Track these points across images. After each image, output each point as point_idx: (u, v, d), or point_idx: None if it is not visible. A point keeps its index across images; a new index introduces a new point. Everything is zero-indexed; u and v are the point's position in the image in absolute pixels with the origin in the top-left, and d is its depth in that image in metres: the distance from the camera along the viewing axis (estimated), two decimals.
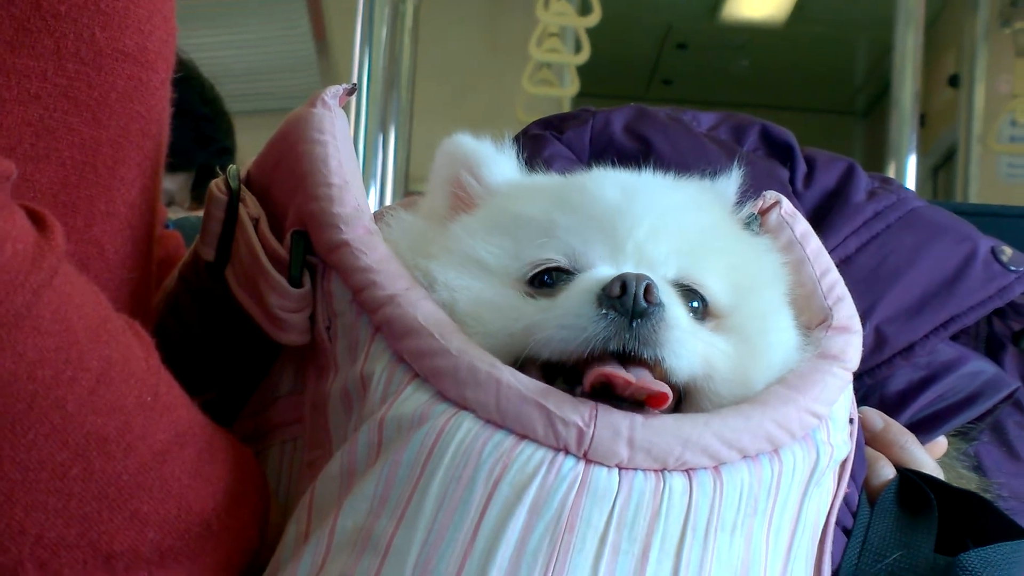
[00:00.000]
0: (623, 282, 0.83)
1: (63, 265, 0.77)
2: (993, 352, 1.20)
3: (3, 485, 0.76)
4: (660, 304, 0.83)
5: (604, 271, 0.87)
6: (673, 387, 0.84)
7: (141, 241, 0.94)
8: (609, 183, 0.94)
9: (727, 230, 0.96)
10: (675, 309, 0.85)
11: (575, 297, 0.85)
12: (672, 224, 0.91)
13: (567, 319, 0.83)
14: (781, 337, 0.92)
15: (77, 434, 0.77)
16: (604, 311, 0.82)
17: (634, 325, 0.82)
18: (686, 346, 0.84)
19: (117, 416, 0.79)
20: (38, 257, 0.75)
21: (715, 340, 0.88)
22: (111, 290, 0.83)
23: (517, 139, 1.14)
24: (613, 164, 1.03)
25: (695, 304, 0.90)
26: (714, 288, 0.91)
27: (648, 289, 0.82)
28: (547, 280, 0.89)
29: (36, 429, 0.75)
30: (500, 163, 0.99)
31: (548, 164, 1.08)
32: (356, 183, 0.93)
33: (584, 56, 4.86)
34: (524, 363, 0.85)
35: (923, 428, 1.12)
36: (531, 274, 0.90)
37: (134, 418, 0.80)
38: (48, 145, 0.85)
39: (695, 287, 0.90)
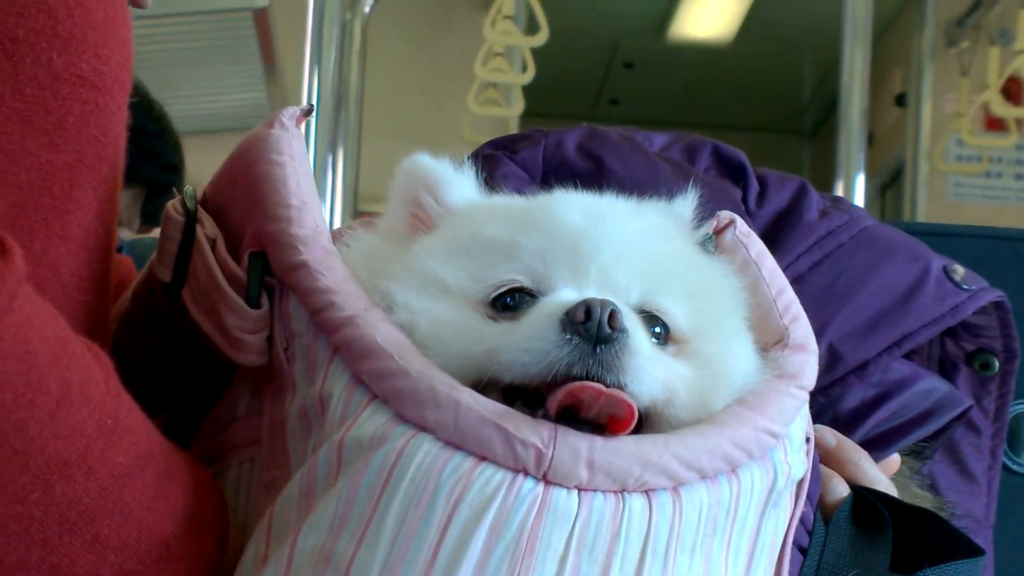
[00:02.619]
0: (588, 307, 0.83)
1: (23, 287, 0.76)
2: (946, 373, 1.22)
3: None
4: (624, 330, 0.83)
5: (567, 295, 0.87)
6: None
7: (97, 263, 0.93)
8: (573, 206, 0.94)
9: (689, 256, 0.97)
10: (638, 335, 0.85)
11: (539, 321, 0.85)
12: (635, 250, 0.91)
13: (531, 343, 0.83)
14: (741, 362, 0.92)
15: (38, 458, 0.77)
16: (568, 336, 0.83)
17: (598, 351, 0.83)
18: (648, 372, 0.84)
19: (78, 439, 0.79)
20: None
21: (676, 366, 0.89)
22: (67, 312, 0.83)
23: (471, 159, 1.14)
24: (566, 184, 1.03)
25: (657, 330, 0.90)
26: (676, 314, 0.91)
27: (612, 315, 0.83)
28: (509, 302, 0.89)
29: None
30: (459, 183, 0.98)
31: (502, 184, 1.08)
32: (314, 204, 0.93)
33: (530, 76, 4.87)
34: (486, 386, 0.85)
35: (877, 446, 1.13)
36: (493, 295, 0.89)
37: (95, 441, 0.80)
38: (5, 169, 0.84)
39: (657, 313, 0.91)
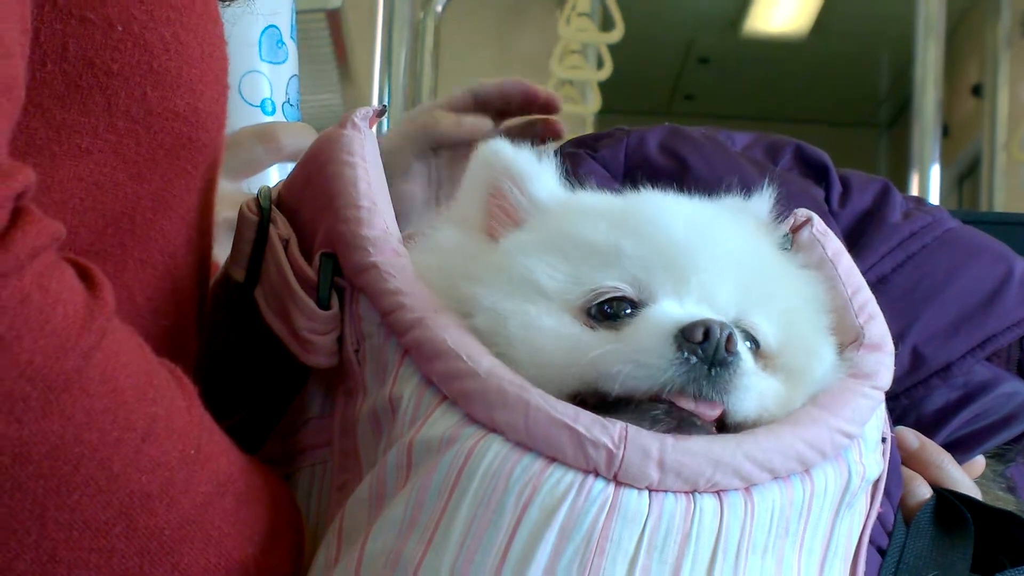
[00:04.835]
0: (707, 329, 0.82)
1: (112, 323, 0.77)
2: None
3: (46, 545, 0.76)
4: (738, 354, 0.83)
5: (673, 309, 0.86)
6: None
7: (185, 289, 0.95)
8: (675, 213, 0.92)
9: (780, 269, 0.95)
10: (747, 356, 0.85)
11: (651, 335, 0.84)
12: (734, 264, 0.90)
13: (644, 356, 0.83)
14: (825, 367, 0.91)
15: (121, 493, 0.77)
16: (684, 354, 0.82)
17: (712, 373, 0.82)
18: (752, 392, 0.84)
19: (161, 472, 0.79)
20: (88, 319, 0.75)
21: (771, 383, 0.88)
22: (139, 335, 0.83)
23: (553, 156, 1.14)
24: (649, 182, 1.02)
25: (749, 345, 0.89)
26: (766, 331, 0.90)
27: (730, 339, 0.82)
28: (608, 310, 0.87)
29: (81, 490, 0.75)
30: (544, 176, 0.96)
31: (583, 181, 1.07)
32: (385, 205, 0.93)
33: (606, 72, 4.85)
34: (583, 397, 0.84)
35: (960, 448, 1.11)
36: (594, 301, 0.87)
37: (177, 473, 0.80)
38: (93, 198, 0.86)
39: (750, 329, 0.90)
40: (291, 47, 1.47)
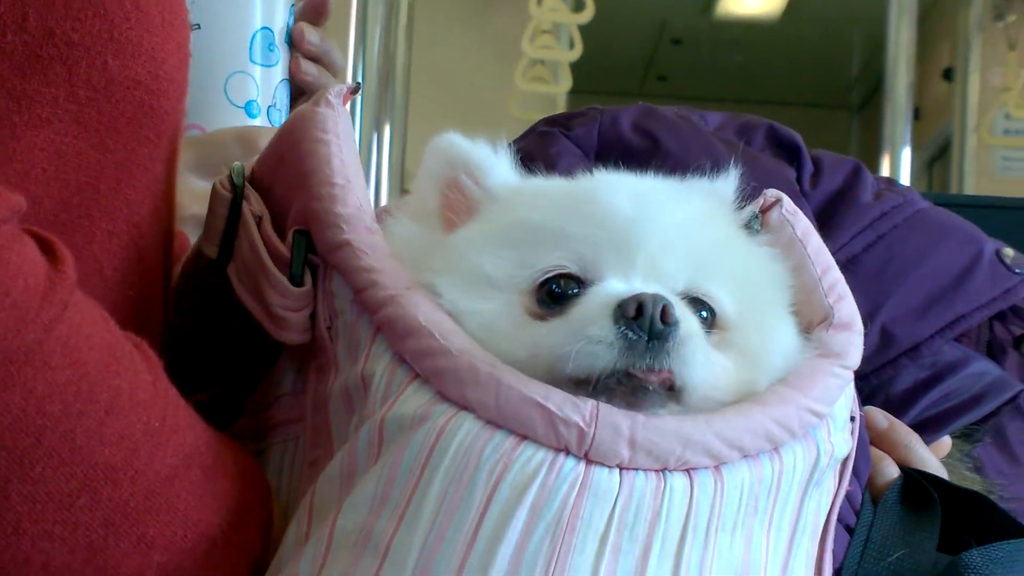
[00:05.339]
0: (640, 303, 0.83)
1: (74, 295, 0.77)
2: (994, 357, 1.20)
3: (10, 517, 0.76)
4: (676, 323, 0.83)
5: (616, 286, 0.86)
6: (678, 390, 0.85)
7: (150, 260, 0.94)
8: (620, 191, 0.92)
9: (736, 242, 0.96)
10: (689, 323, 0.85)
11: (590, 314, 0.84)
12: (683, 237, 0.90)
13: (585, 337, 0.83)
14: (784, 349, 0.91)
15: (85, 465, 0.77)
16: (622, 329, 0.82)
17: (652, 345, 0.82)
18: (697, 357, 0.84)
19: (125, 445, 0.79)
20: (49, 291, 0.75)
21: (720, 358, 0.88)
22: (109, 307, 0.83)
23: (523, 138, 1.14)
24: (621, 161, 1.02)
25: (704, 314, 0.89)
26: (723, 300, 0.90)
27: (664, 310, 0.82)
28: (555, 289, 0.88)
29: (44, 463, 0.75)
30: (498, 166, 0.97)
31: (556, 160, 1.08)
32: (359, 183, 0.93)
33: (577, 53, 4.88)
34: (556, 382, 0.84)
35: (928, 428, 1.12)
36: (540, 280, 0.88)
37: (142, 445, 0.80)
38: (56, 168, 0.85)
39: (704, 298, 0.90)
40: (283, 52, 1.47)
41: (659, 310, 0.82)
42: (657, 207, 0.91)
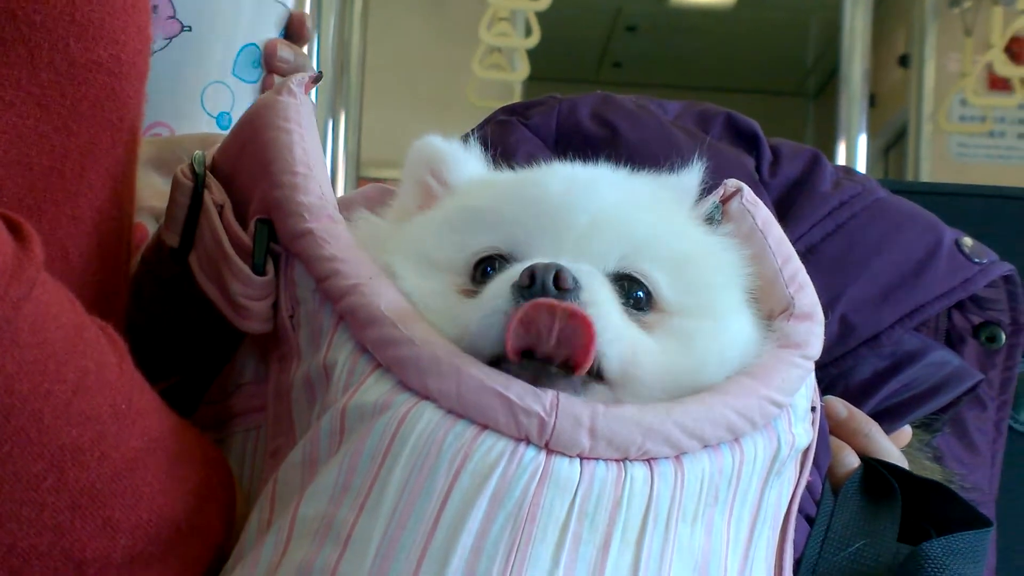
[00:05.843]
0: (532, 272, 0.83)
1: (41, 275, 0.76)
2: (953, 346, 1.21)
3: None
4: (574, 288, 0.83)
5: (531, 263, 0.86)
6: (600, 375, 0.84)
7: (111, 245, 0.94)
8: (557, 176, 0.94)
9: (679, 227, 0.95)
10: (596, 293, 0.84)
11: (495, 289, 0.85)
12: (616, 217, 0.91)
13: (490, 311, 0.83)
14: (737, 339, 0.91)
15: (52, 446, 0.77)
16: (520, 301, 0.82)
17: None
18: (609, 328, 0.83)
19: (92, 426, 0.79)
20: (17, 270, 0.74)
21: (636, 333, 0.87)
22: (73, 291, 0.83)
23: (482, 127, 1.14)
24: (579, 150, 1.03)
25: (639, 294, 0.89)
26: (659, 281, 0.90)
27: (558, 275, 0.82)
28: (489, 271, 0.89)
29: (12, 442, 0.75)
30: (465, 162, 0.98)
31: (515, 149, 1.08)
32: (321, 171, 0.93)
33: (534, 40, 4.89)
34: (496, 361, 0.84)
35: (888, 417, 1.12)
36: (474, 261, 0.89)
37: (108, 427, 0.80)
38: (19, 151, 0.84)
39: (638, 275, 0.90)
40: (266, 73, 1.47)
41: (551, 276, 0.82)
42: (591, 189, 0.92)
